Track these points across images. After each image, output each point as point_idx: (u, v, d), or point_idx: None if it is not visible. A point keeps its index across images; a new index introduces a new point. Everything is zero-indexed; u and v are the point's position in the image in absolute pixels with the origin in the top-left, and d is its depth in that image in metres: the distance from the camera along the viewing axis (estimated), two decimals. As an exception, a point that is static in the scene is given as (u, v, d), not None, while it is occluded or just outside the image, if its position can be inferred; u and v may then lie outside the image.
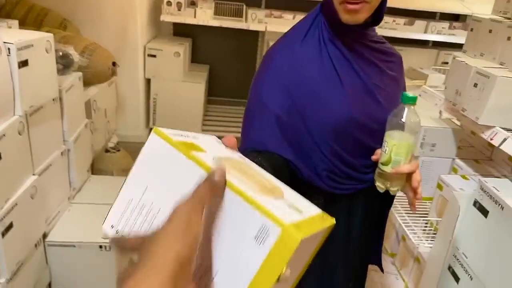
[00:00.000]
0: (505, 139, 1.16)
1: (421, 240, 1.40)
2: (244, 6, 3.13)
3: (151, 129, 2.37)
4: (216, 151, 0.48)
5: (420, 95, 1.56)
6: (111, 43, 2.58)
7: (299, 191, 0.88)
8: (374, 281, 1.22)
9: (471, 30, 1.55)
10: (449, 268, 1.18)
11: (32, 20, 2.29)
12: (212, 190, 0.39)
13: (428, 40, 3.56)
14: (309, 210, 0.45)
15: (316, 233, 0.41)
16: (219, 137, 0.54)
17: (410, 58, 2.97)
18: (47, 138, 1.56)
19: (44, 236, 1.56)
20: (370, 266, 1.14)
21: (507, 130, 1.19)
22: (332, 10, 0.83)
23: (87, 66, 2.07)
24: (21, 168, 1.38)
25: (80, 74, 1.90)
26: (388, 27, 3.19)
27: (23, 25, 2.11)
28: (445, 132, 1.50)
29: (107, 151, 2.35)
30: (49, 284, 1.61)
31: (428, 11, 3.32)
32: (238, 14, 3.13)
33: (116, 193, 1.73)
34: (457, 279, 1.14)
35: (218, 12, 3.13)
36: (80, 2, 2.69)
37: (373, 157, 0.89)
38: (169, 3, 3.03)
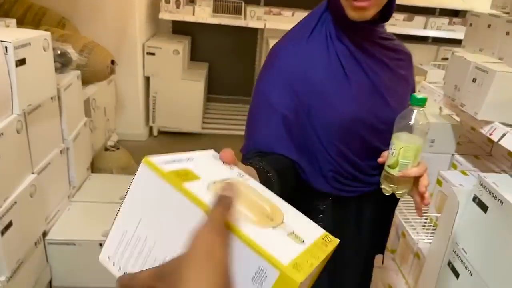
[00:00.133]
0: (504, 134, 1.16)
1: (421, 236, 1.40)
2: (243, 4, 3.12)
3: (151, 128, 2.38)
4: (212, 174, 0.46)
5: (419, 91, 1.56)
6: (109, 41, 2.58)
7: (305, 194, 0.87)
8: (374, 277, 1.23)
9: (470, 25, 1.54)
10: (449, 263, 1.18)
11: (30, 19, 2.29)
12: (227, 208, 0.38)
13: (428, 36, 3.56)
14: (311, 234, 0.44)
15: (318, 265, 0.40)
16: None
17: (409, 54, 2.96)
18: (46, 136, 1.56)
19: (44, 234, 1.56)
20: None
21: (506, 125, 1.18)
22: (338, 6, 0.81)
23: (86, 64, 2.07)
24: (20, 167, 1.38)
25: (78, 72, 1.90)
26: (387, 23, 3.18)
27: (21, 24, 2.11)
28: (445, 127, 1.50)
29: (106, 149, 2.35)
30: (50, 282, 1.62)
31: (428, 7, 3.31)
32: (236, 11, 3.13)
33: (115, 191, 1.73)
34: (456, 274, 1.14)
35: (216, 9, 3.12)
36: (79, 0, 2.69)
37: (380, 159, 0.86)
38: (167, 1, 3.02)
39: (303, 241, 0.41)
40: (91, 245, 1.58)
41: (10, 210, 1.28)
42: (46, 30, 1.69)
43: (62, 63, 1.78)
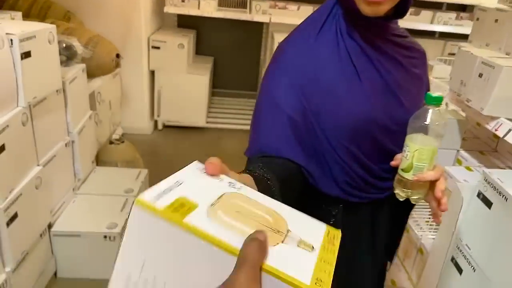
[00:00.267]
0: (510, 130, 1.15)
1: (424, 231, 1.39)
2: (248, -3, 3.11)
3: (156, 122, 2.38)
4: (206, 194, 0.44)
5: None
6: (115, 35, 2.58)
7: (314, 199, 0.84)
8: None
9: (477, 19, 1.52)
10: (452, 259, 1.17)
11: (36, 12, 2.30)
12: (262, 251, 0.36)
13: (435, 31, 3.52)
14: (317, 235, 0.44)
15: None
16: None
17: (416, 49, 2.94)
18: (51, 129, 1.57)
19: (50, 226, 1.57)
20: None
21: (512, 120, 1.17)
22: (350, 1, 0.76)
23: (91, 58, 2.08)
24: (25, 159, 1.39)
25: (83, 65, 1.90)
26: (394, 18, 3.15)
27: (27, 17, 2.12)
28: (450, 123, 1.49)
29: (111, 142, 2.36)
30: (55, 273, 1.64)
31: (435, 1, 3.28)
32: (242, 5, 3.11)
33: (120, 184, 1.74)
34: (460, 270, 1.13)
35: (222, 3, 3.11)
36: (84, -7, 2.69)
37: (393, 162, 0.81)
38: (173, -6, 3.01)
39: (313, 247, 0.42)
40: (95, 237, 1.59)
41: (15, 202, 1.29)
42: (51, 23, 1.70)
43: (67, 56, 1.78)
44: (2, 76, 1.26)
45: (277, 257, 0.38)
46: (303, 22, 0.86)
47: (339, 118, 0.78)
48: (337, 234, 0.46)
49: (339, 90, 0.78)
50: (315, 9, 0.85)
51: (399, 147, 0.79)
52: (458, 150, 1.54)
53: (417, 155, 0.75)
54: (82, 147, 1.84)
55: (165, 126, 3.31)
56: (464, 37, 3.14)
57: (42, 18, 2.24)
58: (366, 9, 0.74)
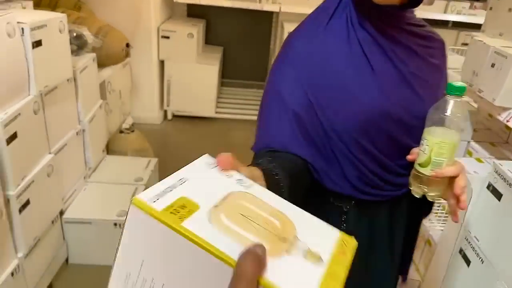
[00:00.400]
0: (522, 121, 1.13)
1: (433, 222, 1.39)
2: (258, -14, 3.08)
3: (165, 111, 2.38)
4: (210, 194, 0.41)
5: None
6: (124, 24, 2.59)
7: (324, 196, 0.81)
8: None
9: (490, 9, 1.50)
10: (460, 251, 1.17)
11: (47, 1, 2.31)
12: (260, 265, 0.35)
13: (448, 20, 3.46)
14: (327, 244, 0.41)
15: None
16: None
17: (428, 39, 2.90)
18: (62, 118, 1.59)
19: (61, 213, 1.60)
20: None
21: (525, 112, 1.16)
22: None
23: (101, 47, 2.09)
24: (37, 147, 1.41)
25: (94, 55, 1.92)
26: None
27: (38, 6, 2.13)
28: (461, 114, 1.47)
29: (121, 132, 2.38)
30: (66, 260, 1.67)
31: (448, -10, 3.22)
32: (252, -6, 3.09)
33: (130, 173, 1.76)
34: (468, 262, 1.13)
35: (232, -8, 3.10)
36: (94, -17, 2.69)
37: (409, 157, 0.77)
38: (182, -16, 3.00)
39: (320, 258, 0.38)
40: (106, 225, 1.61)
41: (27, 189, 1.32)
42: (62, 12, 1.70)
43: (78, 45, 1.80)
44: (14, 65, 1.28)
45: (279, 271, 0.35)
46: (312, 12, 0.83)
47: (349, 111, 0.75)
48: (351, 242, 0.42)
49: (350, 82, 0.75)
50: (326, -2, 0.81)
51: (417, 142, 0.75)
52: (469, 142, 1.52)
53: (436, 149, 0.70)
54: (93, 136, 1.86)
55: (175, 116, 3.32)
56: (477, 26, 3.08)
57: (53, 7, 2.25)
58: None
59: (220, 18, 3.63)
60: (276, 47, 3.57)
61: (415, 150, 0.76)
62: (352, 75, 0.75)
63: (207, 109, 3.30)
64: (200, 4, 3.11)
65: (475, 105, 1.52)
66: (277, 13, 3.43)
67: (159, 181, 0.40)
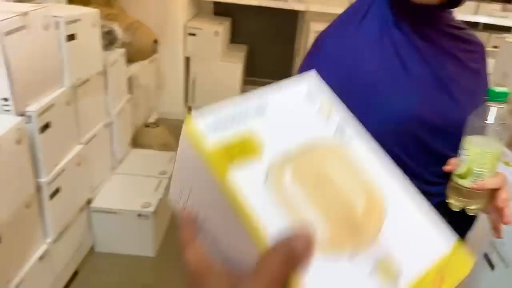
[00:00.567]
0: (554, 125, 1.10)
1: (457, 226, 1.37)
2: (285, -15, 3.09)
3: (189, 108, 2.39)
4: (287, 138, 0.31)
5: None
6: (153, 21, 2.64)
7: None
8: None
9: (525, 9, 1.46)
10: (485, 255, 1.15)
11: (79, -3, 2.38)
12: (290, 263, 0.25)
13: (479, 22, 3.38)
14: (422, 257, 0.28)
15: None
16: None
17: (457, 40, 2.84)
18: (92, 110, 1.64)
19: (89, 202, 1.65)
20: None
21: (557, 115, 1.13)
22: None
23: (130, 43, 2.14)
24: (69, 137, 1.46)
25: (123, 50, 1.97)
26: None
27: (71, 2, 2.20)
28: (489, 116, 1.44)
29: (147, 126, 2.43)
30: (92, 247, 1.72)
31: (480, -9, 3.14)
32: (278, -7, 3.10)
33: (154, 166, 1.80)
34: (492, 266, 1.11)
35: (258, -9, 3.11)
36: (125, -20, 2.76)
37: (446, 167, 0.72)
38: (210, -18, 3.04)
39: (396, 278, 0.26)
40: (130, 215, 1.66)
41: (58, 177, 1.37)
42: (94, 8, 1.76)
43: (109, 40, 1.85)
44: (48, 57, 1.33)
45: (323, 280, 0.26)
46: (344, 11, 0.80)
47: (380, 116, 0.71)
48: (462, 266, 0.29)
49: (382, 84, 0.71)
50: (357, -3, 0.79)
51: (452, 151, 0.70)
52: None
53: (477, 160, 0.66)
54: (120, 129, 1.91)
55: (199, 113, 3.36)
56: (509, 29, 3.00)
57: (85, 3, 2.31)
58: None
59: (245, 17, 3.65)
60: (301, 47, 3.56)
61: (453, 160, 0.71)
62: (385, 77, 0.72)
63: (231, 107, 3.32)
64: (226, 2, 3.14)
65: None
66: (303, 12, 3.42)
67: None
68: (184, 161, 0.32)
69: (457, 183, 0.69)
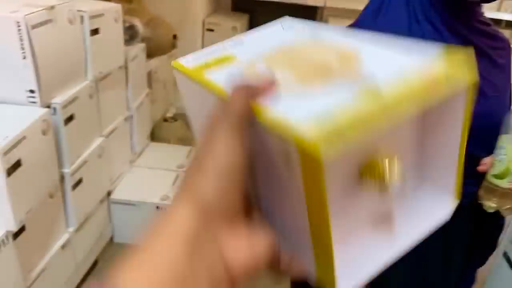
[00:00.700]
0: None
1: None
2: (304, -19, 3.08)
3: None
4: (261, 48, 0.33)
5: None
6: (172, 16, 2.66)
7: None
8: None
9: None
10: (504, 254, 1.14)
11: (101, -8, 2.42)
12: (252, 97, 0.28)
13: (502, 19, 3.31)
14: (403, 71, 0.26)
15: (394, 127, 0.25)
16: None
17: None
18: (113, 103, 1.67)
19: (109, 193, 1.69)
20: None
21: None
22: None
23: (150, 38, 2.16)
24: (91, 129, 1.49)
25: (143, 45, 1.99)
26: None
27: (93, -3, 2.25)
28: None
29: (165, 120, 2.46)
30: (112, 238, 1.76)
31: (503, -13, 3.07)
32: (297, -11, 3.09)
33: (172, 160, 1.82)
34: (511, 265, 1.10)
35: (277, -13, 3.11)
36: (145, -24, 2.79)
37: (480, 168, 0.69)
38: (229, -22, 3.04)
39: (379, 90, 0.25)
40: (149, 207, 1.69)
41: (81, 168, 1.40)
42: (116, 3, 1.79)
43: (130, 35, 1.87)
44: (73, 50, 1.36)
45: (292, 103, 0.26)
46: (368, 3, 0.78)
47: None
48: (460, 73, 0.27)
49: None
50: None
51: (483, 151, 0.68)
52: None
53: None
54: (139, 122, 1.94)
55: (215, 108, 3.38)
56: (534, 26, 2.93)
57: (107, -2, 2.35)
58: None
59: (263, 13, 3.64)
60: (318, 43, 3.54)
61: (486, 160, 0.69)
62: None
63: (247, 103, 3.33)
64: (245, -2, 3.14)
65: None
66: (322, 8, 3.40)
67: None
68: (183, 94, 0.36)
69: (492, 183, 0.66)
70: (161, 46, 2.32)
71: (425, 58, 0.28)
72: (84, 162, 1.41)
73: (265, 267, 0.32)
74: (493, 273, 1.16)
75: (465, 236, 0.84)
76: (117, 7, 1.59)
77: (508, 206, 0.67)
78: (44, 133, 1.17)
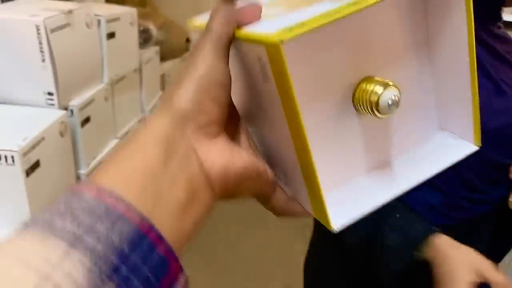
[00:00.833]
0: None
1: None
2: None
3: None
4: None
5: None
6: (184, 20, 2.69)
7: None
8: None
9: None
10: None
11: (116, -3, 2.45)
12: (231, 17, 0.30)
13: (515, 22, 3.27)
14: None
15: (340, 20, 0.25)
16: None
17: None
18: (127, 105, 1.69)
19: (122, 195, 1.70)
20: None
21: None
22: None
23: (163, 41, 2.19)
24: (106, 131, 1.51)
25: (157, 48, 2.02)
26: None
27: (108, 1, 2.28)
28: None
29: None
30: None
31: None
32: None
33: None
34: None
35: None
36: (159, -20, 2.82)
37: None
38: (241, -18, 3.06)
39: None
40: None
41: (95, 170, 1.42)
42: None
43: (144, 38, 1.90)
44: (90, 54, 1.38)
45: (271, 22, 0.28)
46: None
47: None
48: None
49: None
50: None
51: (509, 157, 0.67)
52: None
53: None
54: (153, 125, 1.96)
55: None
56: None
57: (121, 2, 2.38)
58: None
59: (275, 16, 3.66)
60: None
61: None
62: None
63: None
64: (257, 2, 3.16)
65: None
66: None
67: None
68: None
69: None
70: (174, 49, 2.34)
71: None
72: (100, 163, 1.43)
73: (256, 196, 0.34)
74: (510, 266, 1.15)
75: (486, 237, 0.84)
76: (133, 11, 1.61)
77: None
78: (62, 134, 1.19)
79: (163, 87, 2.29)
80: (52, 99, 1.22)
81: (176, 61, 2.54)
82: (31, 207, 1.07)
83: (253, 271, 2.35)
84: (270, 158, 0.35)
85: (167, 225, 0.27)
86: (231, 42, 0.30)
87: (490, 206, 0.76)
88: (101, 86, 1.43)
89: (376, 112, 0.28)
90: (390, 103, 0.28)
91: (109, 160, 0.29)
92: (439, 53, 0.32)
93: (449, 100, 0.34)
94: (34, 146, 1.06)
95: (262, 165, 0.32)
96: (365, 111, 0.29)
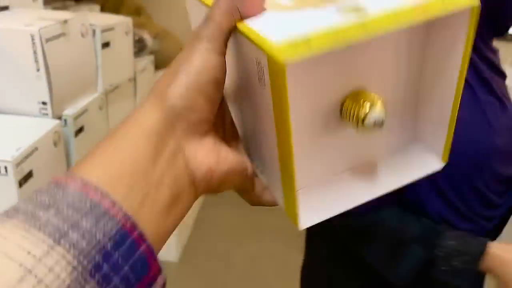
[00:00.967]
0: None
1: None
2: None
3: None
4: None
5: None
6: (179, 30, 2.70)
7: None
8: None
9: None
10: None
11: (111, 6, 2.45)
12: (233, 10, 0.29)
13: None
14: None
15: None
16: None
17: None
18: (122, 115, 1.68)
19: (115, 205, 1.69)
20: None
21: None
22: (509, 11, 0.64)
23: (158, 51, 2.19)
24: (100, 141, 1.50)
25: (152, 57, 2.02)
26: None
27: (102, 11, 2.28)
28: None
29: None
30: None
31: None
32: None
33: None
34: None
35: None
36: (153, -10, 2.83)
37: None
38: (235, -8, 3.09)
39: (363, 10, 0.25)
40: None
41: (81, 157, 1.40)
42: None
43: (139, 48, 1.90)
44: (85, 63, 1.38)
45: (274, 21, 0.28)
46: None
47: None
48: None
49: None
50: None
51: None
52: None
53: None
54: (147, 134, 1.95)
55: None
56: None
57: (116, 11, 2.39)
58: None
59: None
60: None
61: None
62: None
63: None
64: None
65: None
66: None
67: None
68: (190, 18, 0.44)
69: None
70: (169, 58, 2.34)
71: None
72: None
73: (235, 189, 0.34)
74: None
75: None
76: (128, 20, 1.62)
77: None
78: (55, 144, 1.18)
79: (157, 96, 2.29)
80: (45, 109, 1.21)
81: (171, 70, 2.54)
82: (23, 218, 1.06)
83: (247, 283, 2.34)
84: (249, 141, 0.35)
85: (151, 225, 0.27)
86: (231, 33, 0.30)
87: (499, 220, 0.77)
88: (95, 95, 1.43)
89: (360, 127, 0.29)
90: (375, 123, 0.28)
91: (96, 150, 0.28)
92: (429, 77, 0.33)
93: (429, 116, 0.35)
94: (27, 156, 1.05)
95: (245, 163, 0.33)
96: (349, 121, 0.30)
